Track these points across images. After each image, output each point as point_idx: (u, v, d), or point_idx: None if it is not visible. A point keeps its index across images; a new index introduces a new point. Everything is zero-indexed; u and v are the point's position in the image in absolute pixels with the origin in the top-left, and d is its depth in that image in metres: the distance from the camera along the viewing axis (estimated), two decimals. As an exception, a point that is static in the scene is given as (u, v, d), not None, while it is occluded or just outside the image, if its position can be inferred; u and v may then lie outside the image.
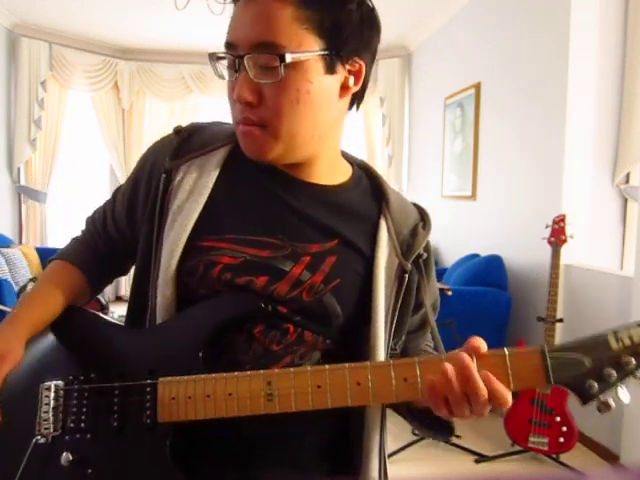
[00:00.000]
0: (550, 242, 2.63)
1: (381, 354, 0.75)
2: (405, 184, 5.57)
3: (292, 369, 0.68)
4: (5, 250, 4.06)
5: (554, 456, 2.59)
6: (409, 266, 0.78)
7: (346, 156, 0.87)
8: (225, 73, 0.74)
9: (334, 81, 0.73)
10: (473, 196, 4.04)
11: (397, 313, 0.78)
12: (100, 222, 0.91)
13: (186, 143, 0.82)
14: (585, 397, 0.63)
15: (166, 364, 0.74)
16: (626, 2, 2.94)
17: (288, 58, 0.68)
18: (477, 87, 3.94)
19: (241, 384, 0.69)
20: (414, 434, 2.82)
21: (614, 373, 0.62)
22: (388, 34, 5.08)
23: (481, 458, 2.65)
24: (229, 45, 0.71)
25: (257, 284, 0.74)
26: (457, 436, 2.86)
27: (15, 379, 0.87)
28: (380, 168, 5.66)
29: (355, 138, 5.64)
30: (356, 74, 0.75)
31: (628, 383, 0.63)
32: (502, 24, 3.63)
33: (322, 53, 0.70)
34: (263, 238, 0.76)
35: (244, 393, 0.68)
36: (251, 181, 0.77)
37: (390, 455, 2.61)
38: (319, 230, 0.78)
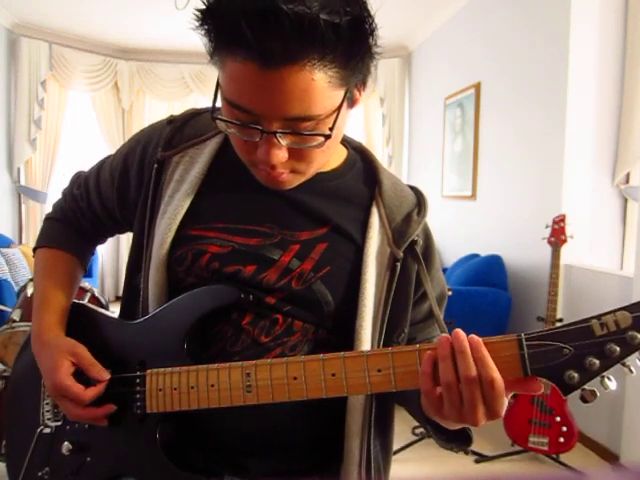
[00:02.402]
0: (550, 242, 2.63)
1: (365, 345, 0.74)
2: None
3: (269, 360, 0.68)
4: (5, 250, 4.06)
5: (554, 456, 2.59)
6: (400, 254, 0.76)
7: (342, 139, 0.84)
8: (226, 126, 0.67)
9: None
10: (473, 196, 4.04)
11: (390, 304, 0.76)
12: (84, 199, 0.91)
13: (179, 132, 0.81)
14: (565, 388, 0.58)
15: (154, 356, 0.76)
16: (626, 3, 2.94)
17: (331, 132, 0.64)
18: (477, 87, 3.94)
19: (222, 375, 0.69)
20: (414, 434, 2.82)
21: (597, 362, 0.57)
22: (388, 34, 5.07)
23: (481, 458, 2.65)
24: (242, 109, 0.63)
25: (245, 273, 0.74)
26: (457, 436, 2.87)
27: (21, 374, 0.89)
28: (380, 168, 5.65)
29: (355, 138, 5.63)
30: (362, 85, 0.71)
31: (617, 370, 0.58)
32: (502, 24, 3.64)
33: (347, 96, 0.66)
34: (252, 226, 0.76)
35: (225, 384, 0.69)
36: (243, 170, 0.77)
37: (390, 455, 2.61)
38: (310, 217, 0.77)
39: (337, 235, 0.77)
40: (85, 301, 2.67)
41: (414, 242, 0.78)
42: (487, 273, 3.30)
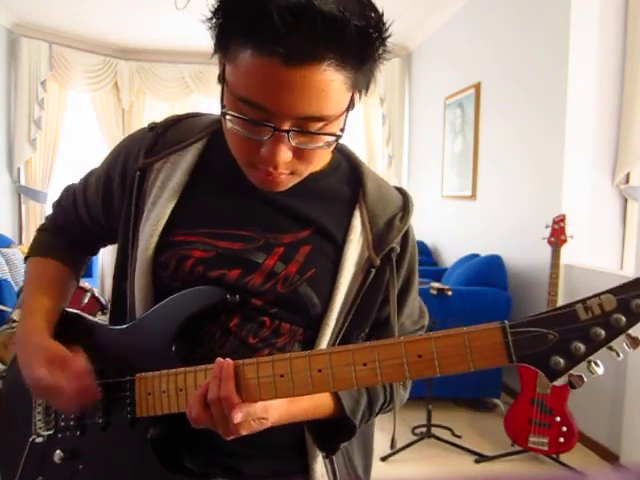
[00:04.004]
0: (550, 242, 2.63)
1: (325, 340, 0.75)
2: (405, 184, 5.57)
3: (256, 359, 0.68)
4: (5, 250, 4.06)
5: (554, 456, 2.59)
6: (377, 261, 0.76)
7: None
8: (236, 124, 0.66)
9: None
10: (473, 196, 4.04)
11: (357, 305, 0.76)
12: (72, 211, 0.92)
13: (161, 139, 0.81)
14: (551, 375, 0.58)
15: (143, 360, 0.75)
16: (626, 2, 2.94)
17: (342, 133, 0.66)
18: (477, 87, 3.94)
19: (210, 376, 0.69)
20: (414, 434, 2.82)
21: (582, 347, 0.56)
22: (388, 34, 5.06)
23: (481, 458, 2.65)
24: (255, 106, 0.63)
25: (229, 277, 0.74)
26: (457, 436, 2.87)
27: (12, 384, 0.89)
28: (380, 168, 5.66)
29: (355, 138, 5.64)
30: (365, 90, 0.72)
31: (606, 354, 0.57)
32: (502, 24, 3.63)
33: (354, 99, 0.67)
34: (236, 231, 0.76)
35: None
36: (225, 174, 0.77)
37: (390, 455, 2.61)
38: (293, 219, 0.78)
39: (320, 237, 0.78)
40: (85, 301, 2.67)
41: (392, 249, 0.78)
42: (487, 273, 3.30)
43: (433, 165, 4.86)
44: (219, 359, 0.67)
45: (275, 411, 0.68)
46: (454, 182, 4.39)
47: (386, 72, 5.46)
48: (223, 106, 0.66)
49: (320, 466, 0.78)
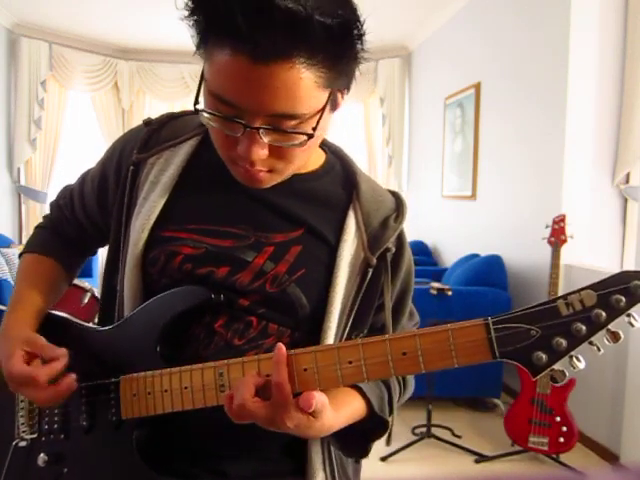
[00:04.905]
0: (550, 242, 2.63)
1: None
2: (405, 184, 5.58)
3: (242, 358, 0.67)
4: (5, 250, 4.06)
5: (554, 456, 2.59)
6: (374, 260, 0.76)
7: (322, 143, 0.84)
8: (210, 119, 0.66)
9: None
10: (473, 196, 4.04)
11: (356, 308, 0.76)
12: (68, 209, 0.91)
13: (156, 134, 0.81)
14: (533, 370, 0.59)
15: (128, 362, 0.75)
16: (626, 2, 2.94)
17: (314, 132, 0.65)
18: (477, 87, 3.94)
19: (195, 377, 0.69)
20: (414, 434, 2.82)
21: (564, 342, 0.57)
22: (388, 34, 5.07)
23: (481, 458, 2.65)
24: (227, 103, 0.63)
25: (218, 274, 0.74)
26: (457, 436, 2.87)
27: None
28: (380, 168, 5.66)
29: (355, 138, 5.64)
30: (346, 89, 0.71)
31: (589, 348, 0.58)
32: (502, 24, 3.63)
33: (331, 99, 0.67)
34: (226, 228, 0.76)
35: (198, 386, 0.69)
36: (218, 172, 0.76)
37: (390, 455, 2.61)
38: (285, 219, 0.77)
39: (312, 237, 0.77)
40: (85, 301, 2.67)
41: (387, 249, 0.78)
42: (487, 273, 3.30)
43: (433, 165, 4.86)
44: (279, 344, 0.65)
45: (325, 417, 0.65)
46: (454, 182, 4.39)
47: (386, 72, 5.46)
48: (197, 102, 0.66)
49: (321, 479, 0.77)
